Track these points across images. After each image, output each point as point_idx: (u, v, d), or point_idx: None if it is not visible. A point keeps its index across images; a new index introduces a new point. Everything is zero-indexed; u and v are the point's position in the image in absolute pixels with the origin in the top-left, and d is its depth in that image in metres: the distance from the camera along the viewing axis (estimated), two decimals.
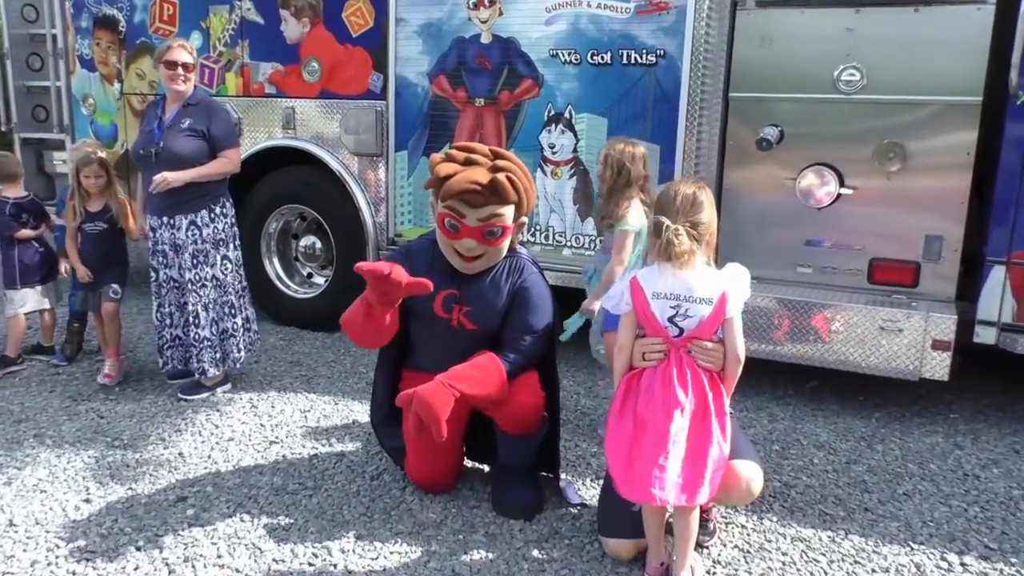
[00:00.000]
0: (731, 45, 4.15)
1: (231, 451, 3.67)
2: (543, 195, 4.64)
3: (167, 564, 2.80)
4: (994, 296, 3.85)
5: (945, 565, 2.88)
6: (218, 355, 4.30)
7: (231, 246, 4.31)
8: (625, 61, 4.32)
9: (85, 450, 3.66)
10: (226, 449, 3.69)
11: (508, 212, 3.02)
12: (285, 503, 3.21)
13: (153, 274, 4.28)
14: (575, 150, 4.54)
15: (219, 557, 2.84)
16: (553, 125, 4.57)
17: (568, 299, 3.78)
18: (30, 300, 4.68)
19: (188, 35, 5.52)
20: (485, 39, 4.65)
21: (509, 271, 3.16)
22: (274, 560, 2.82)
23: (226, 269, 4.28)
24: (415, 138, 4.96)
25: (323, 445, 3.74)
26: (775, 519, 3.16)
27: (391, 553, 2.87)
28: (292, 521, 3.07)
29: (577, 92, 4.48)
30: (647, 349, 2.64)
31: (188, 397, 4.27)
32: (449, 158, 3.04)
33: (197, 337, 4.22)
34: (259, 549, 2.89)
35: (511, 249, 3.19)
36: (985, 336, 3.89)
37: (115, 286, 4.54)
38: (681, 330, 2.60)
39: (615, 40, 4.33)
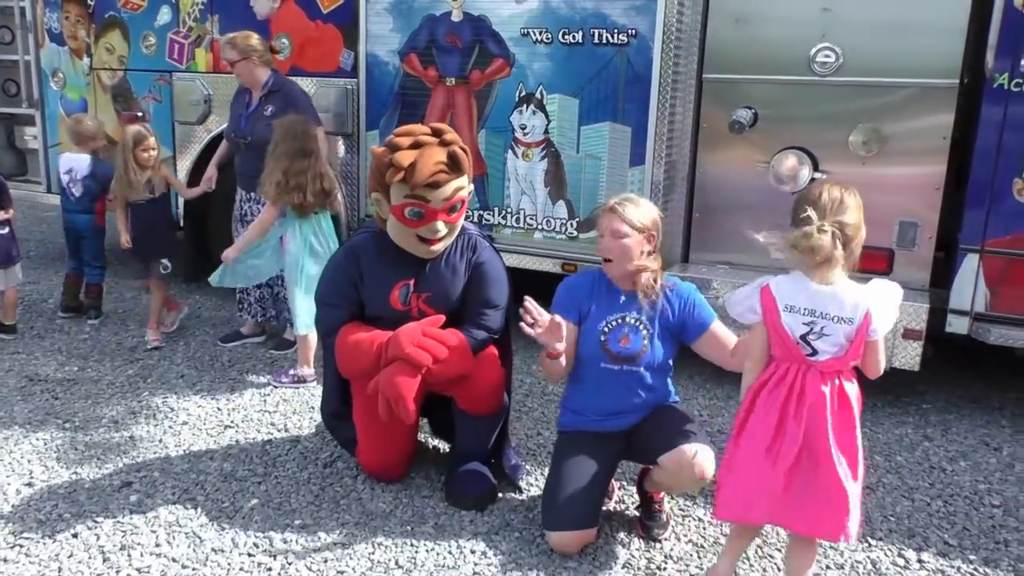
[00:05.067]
0: (705, 25, 4.06)
1: (183, 435, 3.59)
2: (514, 177, 4.54)
3: (102, 551, 2.72)
4: (967, 284, 3.75)
5: (902, 562, 2.81)
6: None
7: None
8: (596, 41, 4.20)
9: (35, 432, 3.58)
10: (179, 433, 3.61)
11: (465, 183, 2.95)
12: (232, 490, 3.14)
13: None
14: (546, 131, 4.42)
15: (157, 545, 2.77)
16: (524, 106, 4.45)
17: (539, 283, 3.68)
18: None
19: (158, 10, 5.41)
20: (456, 17, 4.52)
21: (463, 249, 3.09)
22: (213, 550, 2.75)
23: None
24: (386, 117, 4.83)
25: (279, 430, 3.66)
26: None
27: (334, 544, 2.79)
28: (237, 509, 3.00)
29: (548, 72, 4.36)
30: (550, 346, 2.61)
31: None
32: (398, 147, 2.84)
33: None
34: (199, 538, 2.81)
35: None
36: (957, 326, 3.80)
37: (164, 261, 4.71)
38: (814, 351, 2.33)
39: (587, 19, 4.20)
